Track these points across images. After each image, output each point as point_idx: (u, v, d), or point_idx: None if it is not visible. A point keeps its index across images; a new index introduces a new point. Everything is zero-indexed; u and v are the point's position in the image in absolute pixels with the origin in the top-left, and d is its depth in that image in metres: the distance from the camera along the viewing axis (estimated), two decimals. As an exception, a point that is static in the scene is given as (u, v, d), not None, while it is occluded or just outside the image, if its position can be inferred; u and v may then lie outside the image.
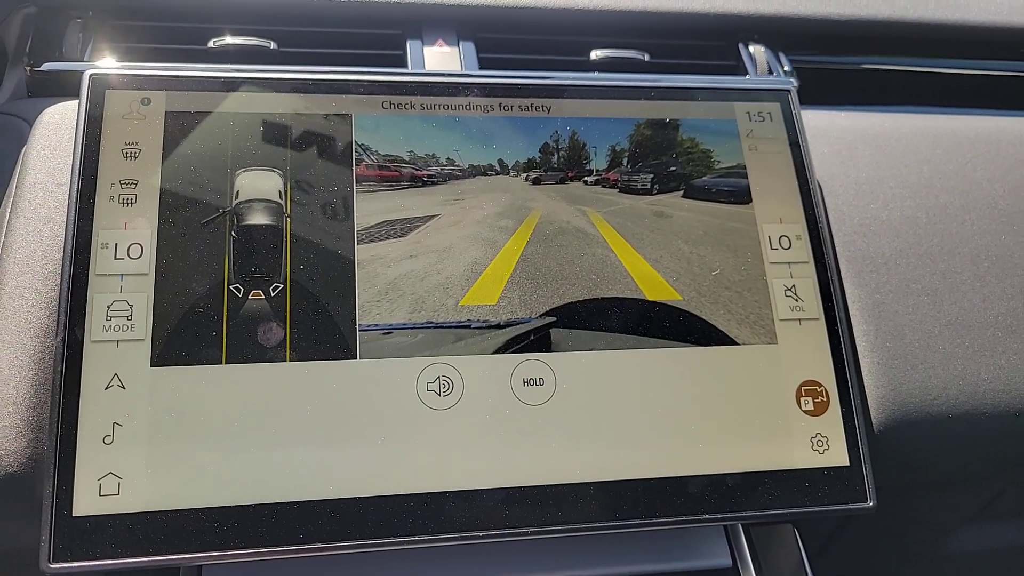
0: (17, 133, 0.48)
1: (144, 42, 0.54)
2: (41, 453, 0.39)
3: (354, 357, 0.41)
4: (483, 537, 0.39)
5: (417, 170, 0.45)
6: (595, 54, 0.59)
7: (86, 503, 0.37)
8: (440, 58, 0.57)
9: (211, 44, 0.54)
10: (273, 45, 0.55)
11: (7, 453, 0.38)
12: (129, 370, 0.38)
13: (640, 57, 0.59)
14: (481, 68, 0.56)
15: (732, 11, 0.62)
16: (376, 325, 0.41)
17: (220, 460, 0.38)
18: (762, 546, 0.46)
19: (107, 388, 0.38)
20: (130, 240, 0.40)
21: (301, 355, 0.40)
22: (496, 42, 0.59)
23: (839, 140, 0.55)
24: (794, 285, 0.46)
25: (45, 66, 0.51)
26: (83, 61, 0.52)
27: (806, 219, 0.47)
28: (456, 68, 0.56)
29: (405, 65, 0.56)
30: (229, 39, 0.54)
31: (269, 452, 0.38)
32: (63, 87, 0.51)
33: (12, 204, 0.43)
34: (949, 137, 0.57)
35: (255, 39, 0.55)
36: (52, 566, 0.36)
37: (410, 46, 0.57)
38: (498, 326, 0.42)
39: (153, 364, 0.39)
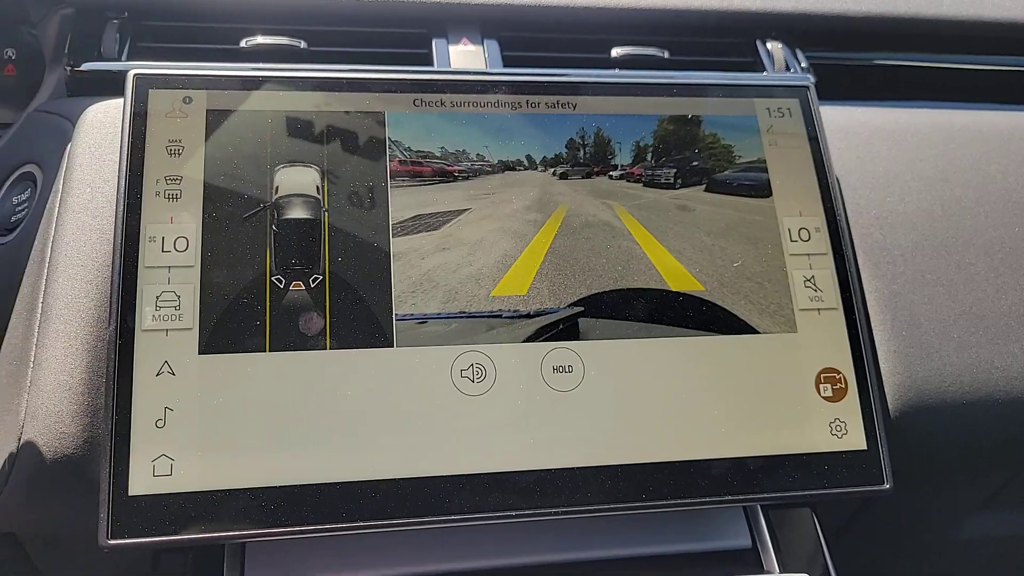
0: (60, 131, 0.50)
1: (179, 42, 0.56)
2: (96, 436, 0.40)
3: (391, 345, 0.42)
4: (516, 517, 0.41)
5: (448, 166, 0.46)
6: (616, 51, 0.60)
7: (141, 483, 0.38)
8: (465, 56, 0.58)
9: (243, 44, 0.56)
10: (303, 44, 0.56)
11: (64, 436, 0.40)
12: (178, 357, 0.40)
13: (660, 54, 0.61)
14: (505, 66, 0.58)
15: (749, 9, 0.63)
16: (412, 315, 0.43)
17: (266, 443, 0.40)
18: (780, 528, 0.48)
19: (158, 375, 0.40)
20: (176, 234, 0.42)
21: (341, 343, 0.42)
22: (519, 40, 0.60)
23: (856, 135, 0.56)
24: (813, 276, 0.47)
25: (85, 66, 0.53)
26: (121, 60, 0.54)
27: (825, 212, 0.49)
28: (481, 66, 0.58)
29: (431, 63, 0.58)
30: (261, 39, 0.56)
31: (312, 435, 0.40)
32: (102, 86, 0.53)
33: (60, 200, 0.45)
34: (963, 132, 0.59)
35: (286, 39, 0.56)
36: (110, 542, 0.37)
37: (435, 45, 0.58)
38: (528, 315, 0.44)
39: (201, 352, 0.41)
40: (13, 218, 0.51)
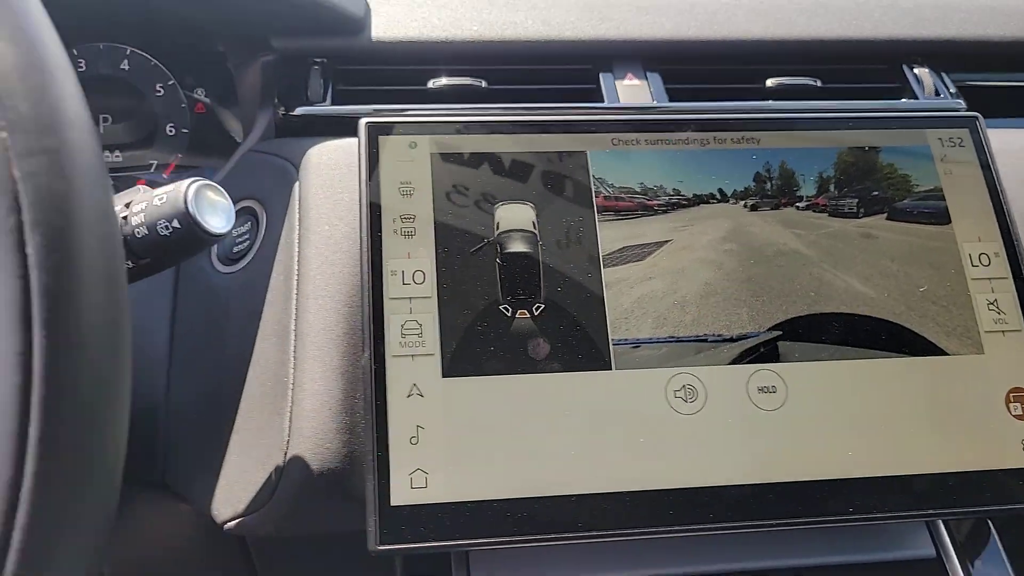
0: (281, 171, 0.55)
1: (371, 84, 0.61)
2: (353, 452, 0.45)
3: (610, 368, 0.46)
4: (728, 529, 0.44)
5: (648, 200, 0.50)
6: (770, 82, 0.63)
7: (401, 495, 0.43)
8: (631, 91, 0.62)
9: (430, 84, 0.60)
10: (484, 84, 0.61)
11: (327, 452, 0.45)
12: (425, 380, 0.45)
13: (812, 83, 0.64)
14: (670, 99, 0.61)
15: (896, 36, 0.66)
16: (626, 340, 0.47)
17: (505, 458, 0.44)
18: (962, 538, 0.50)
19: (408, 396, 0.44)
20: (414, 268, 0.47)
21: (565, 367, 0.46)
22: (679, 73, 0.63)
23: (1019, 158, 0.58)
24: (996, 299, 0.50)
25: (299, 110, 0.58)
26: (326, 104, 0.59)
27: (1002, 237, 0.51)
28: (647, 99, 0.61)
29: (600, 98, 0.62)
30: (445, 80, 0.60)
31: (544, 452, 0.44)
32: (308, 127, 0.58)
33: (300, 236, 0.50)
34: (1119, 153, 0.60)
35: (468, 79, 0.61)
36: (379, 548, 0.42)
37: (603, 80, 0.62)
38: (731, 339, 0.47)
39: (444, 375, 0.45)
40: (235, 249, 0.56)
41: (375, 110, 0.56)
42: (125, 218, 0.41)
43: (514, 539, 0.43)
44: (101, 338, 0.26)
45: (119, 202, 0.42)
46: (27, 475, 0.24)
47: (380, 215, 0.47)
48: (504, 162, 0.49)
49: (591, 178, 0.50)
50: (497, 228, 0.48)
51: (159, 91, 0.68)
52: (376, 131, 0.49)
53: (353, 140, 0.54)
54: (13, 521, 0.24)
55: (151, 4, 0.59)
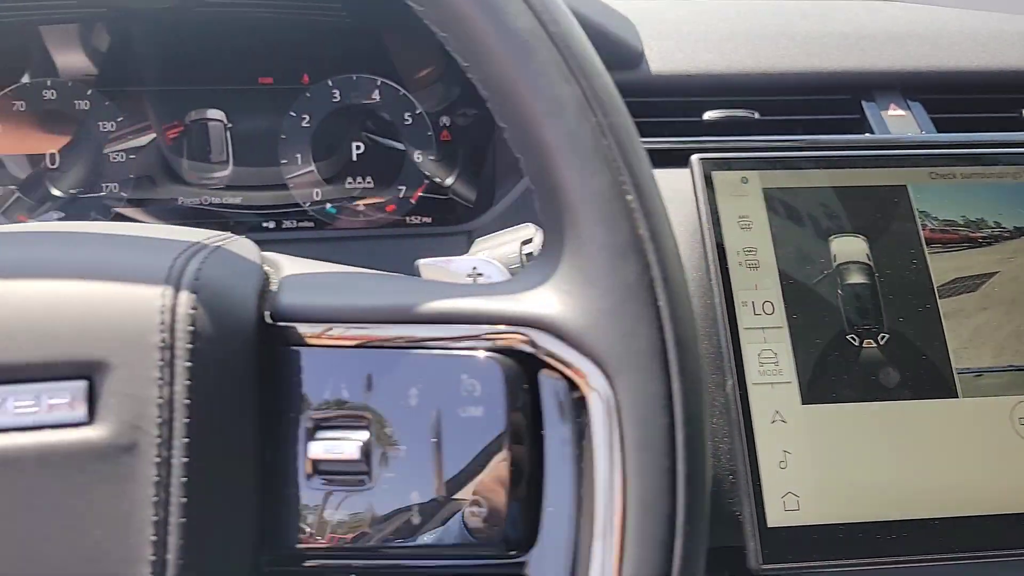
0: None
1: (645, 115, 0.63)
2: (716, 474, 0.47)
3: (955, 396, 0.48)
4: (1084, 551, 0.46)
5: (971, 232, 0.52)
6: (1026, 111, 0.65)
7: (775, 516, 0.45)
8: (896, 121, 0.64)
9: (705, 116, 0.63)
10: (756, 115, 0.63)
11: (696, 475, 0.47)
12: (786, 407, 0.47)
13: (1068, 112, 0.65)
14: (938, 129, 0.63)
15: None
16: (969, 369, 0.48)
17: (866, 482, 0.46)
18: None
19: (772, 422, 0.47)
20: (763, 299, 0.49)
21: (915, 394, 0.48)
22: (939, 103, 0.65)
23: None
24: None
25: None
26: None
27: None
28: (914, 129, 0.63)
29: (866, 127, 0.63)
30: (720, 112, 0.63)
31: (900, 476, 0.46)
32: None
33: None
34: None
35: (742, 111, 0.63)
36: (763, 567, 0.44)
37: (867, 109, 0.64)
38: (1068, 369, 0.49)
39: (803, 402, 0.47)
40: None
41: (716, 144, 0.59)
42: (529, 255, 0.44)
43: (886, 560, 0.45)
44: (704, 376, 0.29)
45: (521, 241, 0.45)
46: (679, 509, 0.27)
47: (725, 249, 0.50)
48: (830, 195, 0.51)
49: (915, 211, 0.52)
50: (834, 260, 0.50)
51: (407, 120, 0.71)
52: (709, 167, 0.52)
53: (660, 171, 0.56)
54: (672, 551, 0.27)
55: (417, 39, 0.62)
